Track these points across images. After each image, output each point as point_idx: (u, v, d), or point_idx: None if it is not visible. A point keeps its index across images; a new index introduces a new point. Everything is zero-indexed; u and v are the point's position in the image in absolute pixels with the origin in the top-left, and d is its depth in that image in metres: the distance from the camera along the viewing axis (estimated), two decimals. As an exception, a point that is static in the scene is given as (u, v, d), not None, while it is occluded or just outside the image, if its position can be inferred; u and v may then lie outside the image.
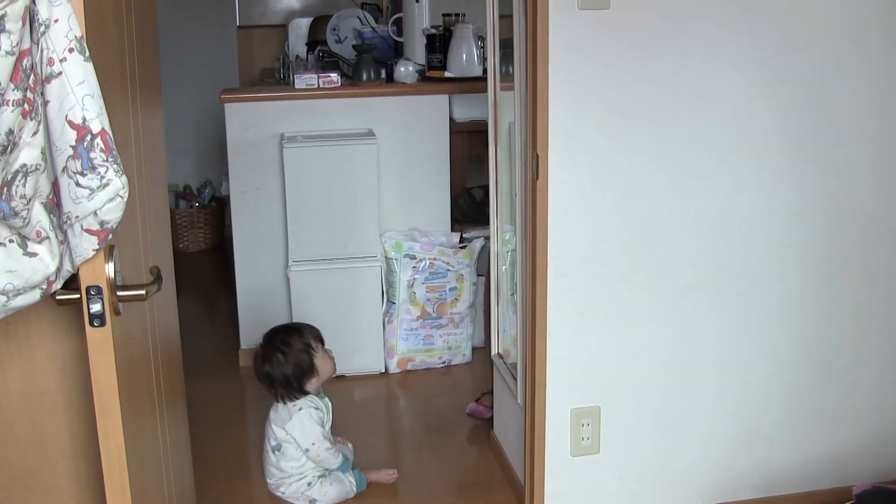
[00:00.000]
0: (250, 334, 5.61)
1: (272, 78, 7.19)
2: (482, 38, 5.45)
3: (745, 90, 3.64)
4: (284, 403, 4.08)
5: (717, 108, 3.64)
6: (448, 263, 5.44)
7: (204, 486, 3.90)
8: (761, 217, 3.75)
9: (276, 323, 4.45)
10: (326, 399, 4.18)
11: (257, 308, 5.56)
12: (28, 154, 1.85)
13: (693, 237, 3.72)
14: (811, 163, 3.75)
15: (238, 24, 8.43)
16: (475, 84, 5.42)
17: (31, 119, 1.84)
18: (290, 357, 4.07)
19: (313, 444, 3.99)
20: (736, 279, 3.79)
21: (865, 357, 3.99)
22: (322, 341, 4.17)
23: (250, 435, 4.82)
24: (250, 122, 5.47)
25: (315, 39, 7.12)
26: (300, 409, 4.02)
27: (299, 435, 3.99)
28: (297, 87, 5.50)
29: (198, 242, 8.16)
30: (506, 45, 4.14)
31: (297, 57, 6.89)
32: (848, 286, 3.90)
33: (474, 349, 5.64)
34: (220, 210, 8.17)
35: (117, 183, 1.96)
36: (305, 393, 4.06)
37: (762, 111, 3.67)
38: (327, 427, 4.11)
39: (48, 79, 1.89)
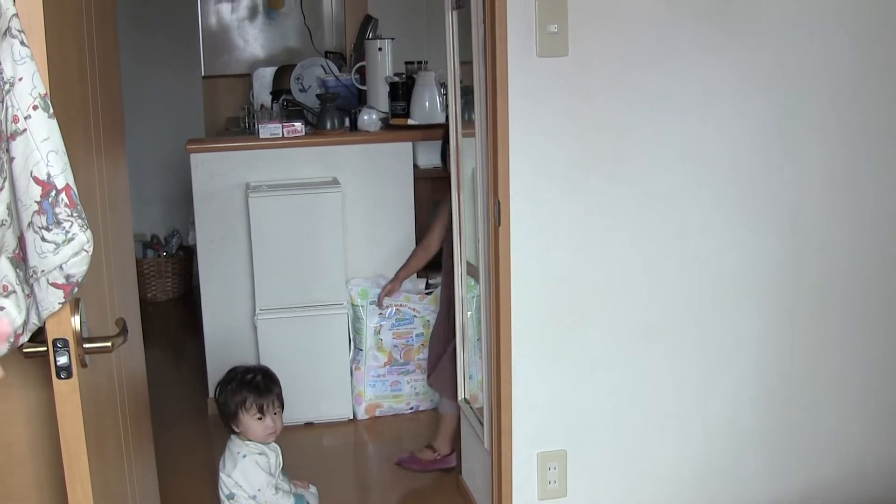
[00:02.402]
0: (218, 382, 5.61)
1: (237, 127, 7.22)
2: (444, 86, 5.50)
3: (703, 134, 3.69)
4: (230, 438, 4.07)
5: (675, 154, 3.69)
6: (414, 310, 5.47)
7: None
8: (720, 259, 3.80)
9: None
10: (274, 444, 4.13)
11: (225, 356, 5.56)
12: (-6, 210, 1.88)
13: (654, 280, 3.76)
14: (769, 205, 3.80)
15: (203, 73, 8.45)
16: (438, 131, 5.46)
17: (-3, 176, 1.87)
18: (224, 395, 4.07)
19: (259, 490, 3.99)
20: (696, 321, 3.83)
21: (827, 395, 4.03)
22: (264, 406, 4.03)
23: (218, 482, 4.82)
24: (216, 171, 5.50)
25: (279, 88, 7.17)
26: (244, 455, 4.01)
27: (244, 482, 3.98)
28: (261, 136, 5.54)
29: (165, 291, 8.15)
30: (467, 93, 4.18)
31: (262, 106, 6.93)
32: (807, 325, 3.95)
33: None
34: (187, 259, 8.17)
35: (82, 237, 1.99)
36: (237, 433, 4.05)
37: (721, 156, 3.72)
38: (276, 472, 4.08)
39: (13, 136, 1.92)
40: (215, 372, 5.62)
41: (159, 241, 8.24)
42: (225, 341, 5.64)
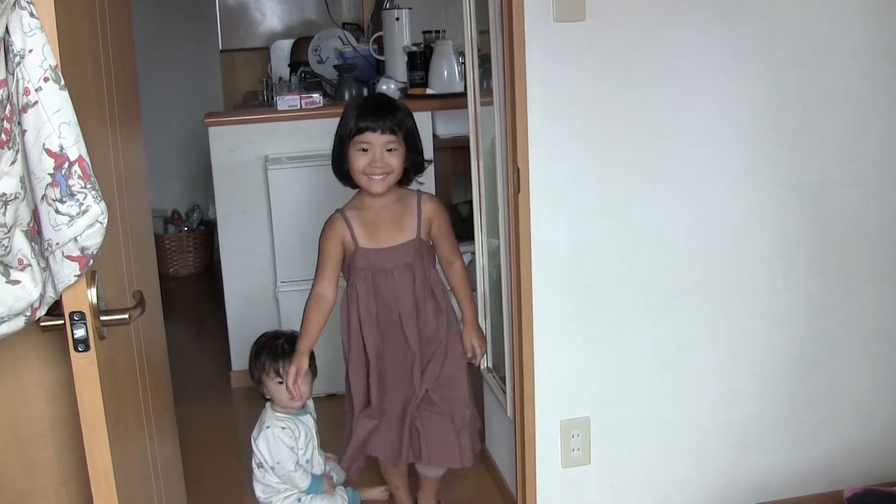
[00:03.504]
0: (241, 356, 5.61)
1: (256, 100, 7.21)
2: (463, 55, 5.47)
3: (725, 96, 3.66)
4: (265, 406, 4.06)
5: (697, 116, 3.65)
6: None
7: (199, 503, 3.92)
8: (748, 224, 3.77)
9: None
10: (308, 416, 4.12)
11: (247, 329, 5.55)
12: (7, 183, 1.87)
13: (678, 245, 3.74)
14: (795, 168, 3.77)
15: (220, 48, 8.45)
16: (457, 100, 5.43)
17: (9, 149, 1.86)
18: (251, 360, 4.07)
19: (278, 463, 3.99)
20: (723, 287, 3.81)
21: (855, 362, 4.01)
22: (280, 370, 3.98)
23: (243, 455, 4.80)
24: (234, 145, 5.49)
25: (297, 61, 7.15)
26: (268, 427, 4.01)
27: (266, 453, 3.98)
28: (279, 108, 5.52)
29: (187, 266, 8.16)
30: (485, 61, 4.16)
31: (280, 79, 6.91)
32: (836, 291, 3.92)
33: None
34: (208, 233, 8.18)
35: (96, 209, 1.98)
36: (269, 401, 4.04)
37: (744, 122, 3.68)
38: (306, 447, 4.07)
39: (24, 108, 1.91)
40: (238, 345, 5.64)
41: (180, 216, 8.25)
42: (247, 314, 5.64)
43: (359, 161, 3.59)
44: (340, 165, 3.68)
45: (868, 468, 4.07)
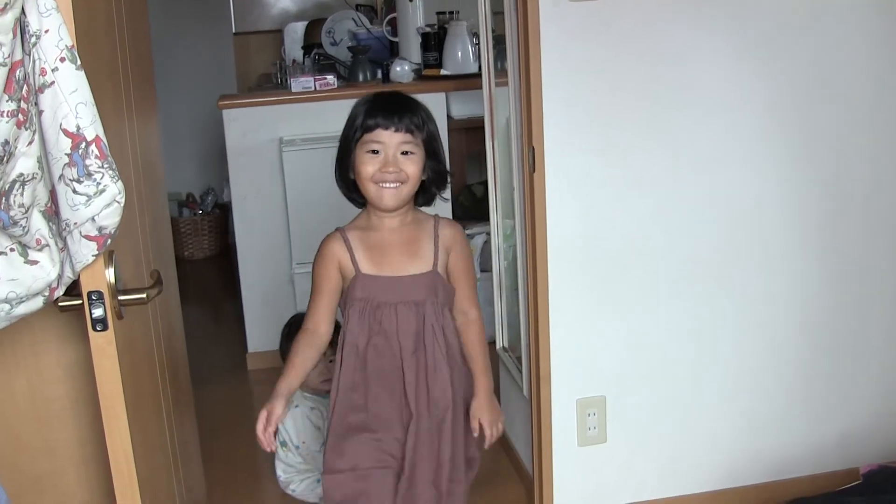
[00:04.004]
0: (257, 337, 5.64)
1: (269, 83, 7.20)
2: (477, 35, 5.47)
3: (741, 74, 3.65)
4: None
5: (712, 93, 3.65)
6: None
7: (216, 489, 3.92)
8: (762, 203, 3.77)
9: (283, 325, 4.46)
10: None
11: (264, 311, 5.58)
12: (24, 163, 1.88)
13: (694, 224, 3.73)
14: (809, 148, 3.76)
15: (234, 30, 8.45)
16: (471, 81, 5.43)
17: (26, 129, 1.87)
18: (282, 339, 4.08)
19: (303, 442, 4.00)
20: (738, 266, 3.81)
21: (870, 340, 4.00)
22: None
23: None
24: (249, 127, 5.50)
25: (311, 43, 7.14)
26: (296, 406, 4.03)
27: (293, 432, 4.00)
28: (293, 90, 5.54)
29: (202, 249, 8.18)
30: (499, 42, 4.16)
31: (294, 61, 6.91)
32: (851, 270, 3.92)
33: (480, 345, 5.64)
34: (223, 216, 8.19)
35: (113, 189, 1.99)
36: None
37: (759, 93, 3.67)
38: None
39: (41, 89, 1.91)
40: (254, 327, 5.65)
41: (194, 199, 8.26)
42: (263, 296, 5.66)
43: (367, 165, 2.89)
44: (345, 173, 3.00)
45: (884, 446, 4.06)
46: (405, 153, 2.90)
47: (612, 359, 3.80)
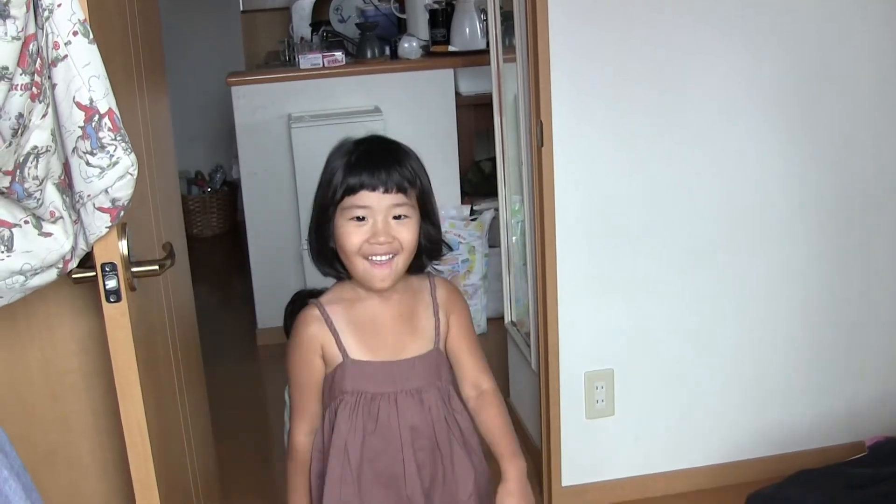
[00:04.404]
0: (267, 314, 5.67)
1: (277, 61, 7.22)
2: (484, 11, 5.48)
3: (747, 50, 3.66)
4: None
5: (721, 73, 3.66)
6: (459, 236, 5.47)
7: (225, 463, 3.95)
8: (769, 176, 3.78)
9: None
10: None
11: (273, 287, 5.60)
12: (38, 136, 1.90)
13: (700, 198, 3.75)
14: (818, 119, 3.77)
15: (242, 8, 8.46)
16: (479, 57, 5.46)
17: (40, 102, 1.88)
18: (288, 317, 4.09)
19: None
20: (745, 239, 3.82)
21: (878, 313, 4.02)
22: None
23: (270, 412, 4.87)
24: (257, 104, 5.52)
25: (318, 20, 7.14)
26: None
27: None
28: (301, 67, 5.56)
29: (211, 227, 8.21)
30: (507, 18, 4.18)
31: (302, 38, 6.91)
32: (859, 241, 3.93)
33: (489, 320, 5.67)
34: (231, 194, 8.22)
35: (126, 161, 2.01)
36: None
37: (763, 81, 3.68)
38: None
39: (54, 62, 1.93)
40: (263, 304, 5.68)
41: (203, 177, 8.28)
42: (272, 273, 5.68)
43: (352, 236, 2.36)
44: (321, 244, 2.47)
45: (890, 419, 4.08)
46: (398, 217, 2.37)
47: (620, 332, 3.82)
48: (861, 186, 3.87)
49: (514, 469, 2.50)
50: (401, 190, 2.34)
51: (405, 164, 2.37)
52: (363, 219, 2.35)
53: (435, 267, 2.60)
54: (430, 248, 2.50)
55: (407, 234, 2.37)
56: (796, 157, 3.78)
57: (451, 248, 2.69)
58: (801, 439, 4.06)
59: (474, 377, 2.55)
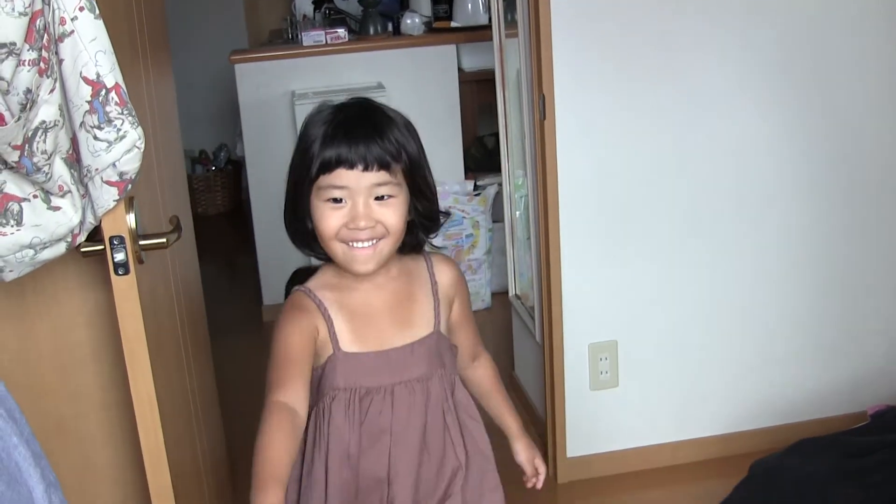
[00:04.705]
0: (272, 290, 5.69)
1: (280, 38, 7.24)
2: (486, -14, 5.50)
3: (753, 25, 3.68)
4: None
5: (723, 45, 3.68)
6: (463, 211, 5.49)
7: (234, 438, 3.98)
8: (771, 146, 3.80)
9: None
10: None
11: (278, 265, 5.59)
12: (46, 111, 1.92)
13: (702, 169, 3.77)
14: (823, 87, 3.80)
15: (243, -13, 8.47)
16: (482, 33, 5.47)
17: (48, 77, 1.90)
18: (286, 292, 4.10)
19: None
20: (748, 209, 3.85)
21: (880, 283, 4.05)
22: None
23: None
24: (261, 81, 5.54)
25: (321, -2, 7.17)
26: None
27: None
28: (304, 44, 5.58)
29: (216, 206, 8.23)
30: (509, -8, 4.19)
31: (304, 16, 6.92)
32: (863, 212, 3.96)
33: (493, 294, 5.70)
34: (235, 173, 8.24)
35: (133, 134, 2.03)
36: None
37: (769, 42, 3.70)
38: None
39: (61, 38, 1.95)
40: (268, 280, 5.71)
41: (207, 156, 8.30)
42: (277, 250, 5.67)
43: (328, 220, 2.09)
44: (296, 223, 2.23)
45: (892, 389, 4.10)
46: (380, 198, 2.09)
47: (624, 304, 3.85)
48: (866, 156, 3.89)
49: (517, 427, 2.49)
50: (383, 166, 2.06)
51: (388, 135, 2.08)
52: (340, 200, 2.07)
53: (433, 245, 2.35)
54: (425, 225, 2.23)
55: (392, 216, 2.10)
56: (801, 125, 3.80)
57: (448, 215, 2.31)
58: (804, 409, 4.08)
59: (471, 348, 2.42)
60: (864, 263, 4.00)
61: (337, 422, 2.17)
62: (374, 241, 2.10)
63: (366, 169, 2.05)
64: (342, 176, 2.05)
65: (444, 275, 2.30)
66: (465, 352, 2.40)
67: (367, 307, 2.20)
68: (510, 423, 2.49)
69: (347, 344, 2.16)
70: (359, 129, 2.07)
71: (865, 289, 4.02)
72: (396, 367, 2.18)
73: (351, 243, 2.09)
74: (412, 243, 2.24)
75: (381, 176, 2.06)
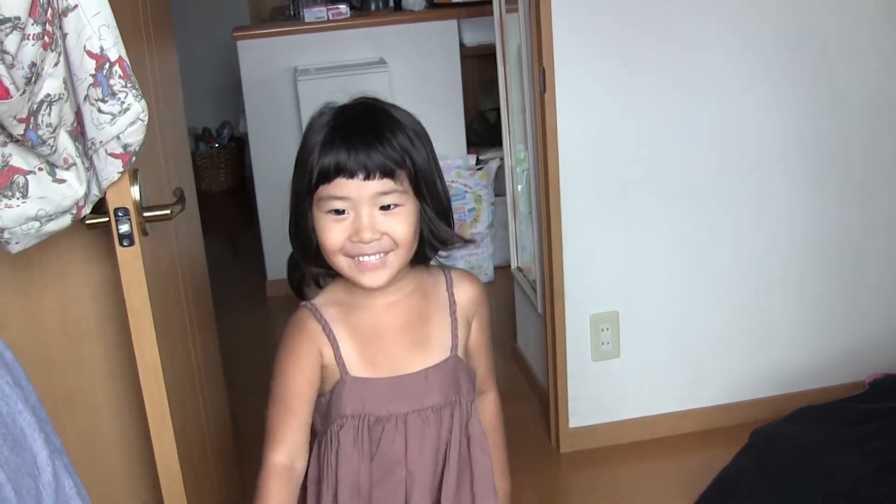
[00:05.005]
0: (276, 266, 5.72)
1: (282, 15, 7.26)
2: (487, -38, 5.51)
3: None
4: None
5: (721, 12, 3.70)
6: (465, 185, 5.52)
7: (238, 413, 4.00)
8: (768, 120, 3.82)
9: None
10: None
11: (282, 239, 5.61)
12: (51, 84, 1.94)
13: (701, 142, 3.79)
14: (818, 59, 3.82)
15: (246, -37, 8.47)
16: (483, 8, 5.48)
17: (52, 51, 1.93)
18: (291, 270, 4.13)
19: None
20: (745, 182, 3.87)
21: (878, 253, 4.08)
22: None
23: (281, 362, 4.93)
24: (263, 57, 5.57)
25: (323, -26, 7.17)
26: None
27: None
28: (306, 20, 5.60)
29: (219, 183, 8.25)
30: (509, -34, 4.21)
31: (306, -8, 6.95)
32: (860, 182, 3.98)
33: (495, 268, 5.72)
34: (238, 150, 8.26)
35: (137, 107, 2.06)
36: None
37: (769, 13, 3.73)
38: None
39: (65, 12, 1.98)
40: (272, 256, 5.74)
41: (210, 133, 8.32)
42: (280, 227, 5.65)
43: (330, 233, 1.94)
44: (301, 236, 2.07)
45: (891, 359, 4.13)
46: (386, 207, 1.92)
47: (625, 275, 3.88)
48: (862, 126, 3.90)
49: (506, 485, 2.27)
50: (386, 174, 1.89)
51: (390, 140, 1.90)
52: (343, 211, 1.91)
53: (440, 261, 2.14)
54: (435, 233, 2.01)
55: (400, 226, 1.92)
56: (797, 97, 3.82)
57: (469, 242, 2.10)
58: (803, 379, 4.12)
59: (482, 379, 2.20)
60: (862, 235, 4.02)
61: (346, 451, 2.02)
62: (381, 256, 1.93)
63: (367, 177, 1.88)
64: (342, 186, 1.89)
65: (464, 293, 2.10)
66: (479, 381, 2.18)
67: (377, 328, 2.03)
68: (498, 483, 2.20)
69: (356, 368, 2.01)
70: (358, 134, 1.91)
71: (864, 260, 4.05)
72: (410, 395, 2.01)
73: (357, 257, 1.93)
74: (420, 257, 2.03)
75: (385, 184, 1.89)
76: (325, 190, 1.90)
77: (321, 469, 2.06)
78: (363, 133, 1.90)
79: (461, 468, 2.07)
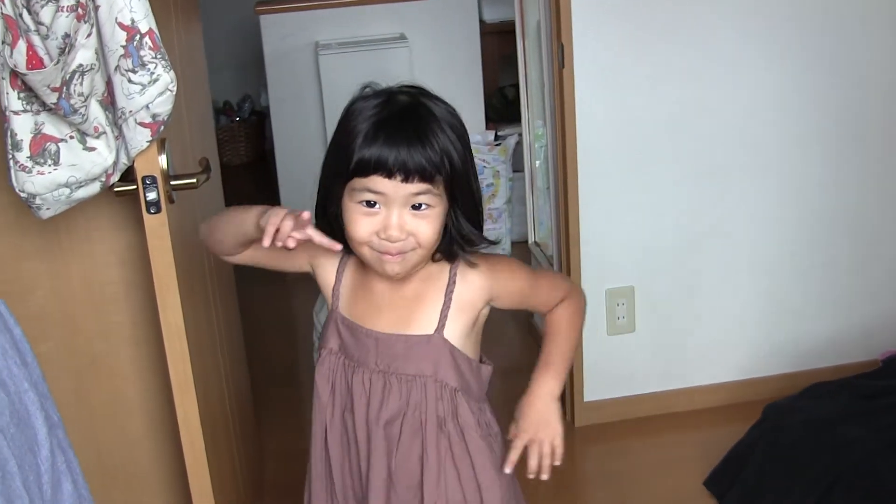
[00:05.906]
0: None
1: (304, -10, 7.31)
2: (508, -62, 5.53)
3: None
4: None
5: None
6: (484, 161, 5.55)
7: (257, 383, 4.05)
8: (787, 97, 3.84)
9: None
10: None
11: (301, 212, 5.69)
12: (83, 55, 2.00)
13: (719, 118, 3.81)
14: (836, 35, 3.83)
15: (269, -63, 8.48)
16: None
17: (85, 22, 1.98)
18: None
19: None
20: (763, 156, 3.89)
21: (891, 231, 4.09)
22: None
23: (299, 336, 4.98)
24: (286, 31, 5.61)
25: (344, -51, 7.20)
26: None
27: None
28: (329, -6, 5.65)
29: (240, 156, 8.27)
30: (530, -57, 4.23)
31: (328, -33, 6.98)
32: (875, 159, 3.99)
33: (513, 243, 5.76)
34: (259, 123, 8.27)
35: (166, 77, 2.11)
36: None
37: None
38: None
39: (97, -16, 2.03)
40: (292, 230, 5.77)
41: (231, 106, 8.34)
42: (300, 200, 5.71)
43: (358, 225, 1.94)
44: (329, 215, 2.05)
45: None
46: (418, 207, 1.92)
47: (641, 250, 3.91)
48: (878, 103, 3.92)
49: (541, 383, 2.22)
50: (424, 178, 1.88)
51: (432, 143, 1.89)
52: (373, 205, 1.91)
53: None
54: (459, 240, 2.02)
55: (427, 228, 1.93)
56: (814, 74, 3.84)
57: (491, 243, 2.08)
58: (818, 356, 4.14)
59: (550, 302, 2.20)
60: (876, 212, 4.04)
61: (320, 379, 2.15)
62: (402, 255, 1.95)
63: (405, 180, 1.87)
64: (378, 182, 1.88)
65: (469, 282, 2.07)
66: (544, 309, 2.22)
67: (375, 291, 2.08)
68: (538, 376, 2.23)
69: (345, 308, 2.11)
70: (402, 133, 1.88)
71: (878, 237, 4.07)
72: (382, 353, 2.06)
73: (382, 254, 1.94)
74: (445, 251, 2.03)
75: (421, 186, 1.89)
76: (360, 182, 1.90)
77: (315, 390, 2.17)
78: (406, 133, 1.88)
79: (441, 454, 2.09)
